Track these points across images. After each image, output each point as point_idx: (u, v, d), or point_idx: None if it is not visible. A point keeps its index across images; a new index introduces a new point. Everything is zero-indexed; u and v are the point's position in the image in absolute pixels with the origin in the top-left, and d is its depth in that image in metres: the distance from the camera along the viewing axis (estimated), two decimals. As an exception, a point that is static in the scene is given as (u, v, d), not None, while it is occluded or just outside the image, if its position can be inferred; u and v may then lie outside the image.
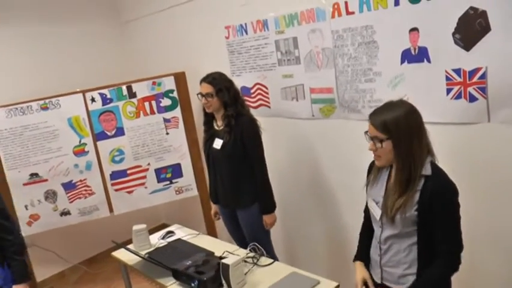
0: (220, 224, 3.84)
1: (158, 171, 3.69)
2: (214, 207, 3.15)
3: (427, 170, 1.75)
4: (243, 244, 2.91)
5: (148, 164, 3.66)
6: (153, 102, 3.59)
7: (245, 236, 2.99)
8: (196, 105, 3.83)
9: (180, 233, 2.97)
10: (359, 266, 2.09)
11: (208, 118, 2.94)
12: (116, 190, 3.65)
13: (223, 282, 2.21)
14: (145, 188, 3.68)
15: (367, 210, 2.08)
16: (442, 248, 1.77)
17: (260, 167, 2.83)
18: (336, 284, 2.13)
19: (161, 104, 3.61)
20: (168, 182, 3.71)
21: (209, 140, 2.91)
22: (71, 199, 3.61)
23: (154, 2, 4.01)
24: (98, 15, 4.38)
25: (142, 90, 3.57)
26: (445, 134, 2.30)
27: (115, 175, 3.64)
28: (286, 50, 3.05)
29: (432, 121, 2.08)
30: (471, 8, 2.13)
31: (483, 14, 2.10)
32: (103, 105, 3.54)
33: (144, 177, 3.67)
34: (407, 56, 2.43)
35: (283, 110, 3.22)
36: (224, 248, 2.63)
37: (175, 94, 3.63)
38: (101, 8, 4.41)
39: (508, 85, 2.10)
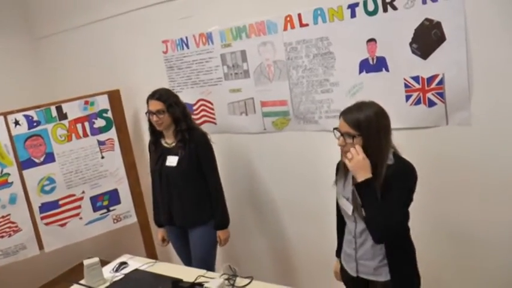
0: (160, 250, 3.62)
1: (94, 199, 3.35)
2: (161, 232, 2.96)
3: (389, 160, 1.86)
4: (190, 264, 2.84)
5: (83, 192, 3.31)
6: (86, 124, 3.26)
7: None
8: (132, 125, 3.60)
9: (134, 263, 2.71)
10: (337, 263, 2.24)
11: (156, 137, 2.78)
12: (47, 224, 3.24)
13: (207, 309, 2.06)
14: (80, 218, 3.32)
15: (338, 208, 2.14)
16: None
17: (215, 181, 2.76)
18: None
19: (95, 126, 3.30)
20: (105, 210, 3.39)
21: (159, 159, 2.74)
22: (-8, 239, 3.13)
23: (77, 15, 3.68)
24: (7, 29, 3.93)
25: (73, 110, 3.23)
26: (406, 138, 2.37)
27: (45, 207, 3.22)
28: (233, 64, 2.98)
29: (393, 127, 2.15)
30: (426, 19, 2.27)
31: (438, 25, 2.24)
32: (29, 128, 3.13)
33: (79, 206, 3.30)
34: (366, 66, 2.51)
35: (231, 125, 3.13)
36: (190, 273, 2.45)
37: (109, 114, 3.34)
38: (10, 21, 3.96)
39: (462, 89, 2.26)
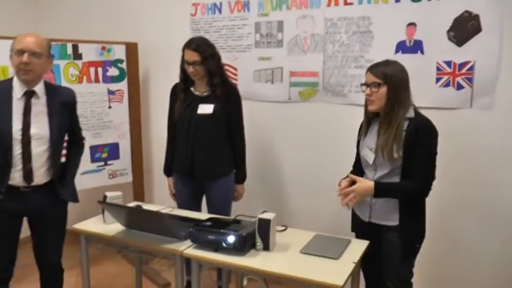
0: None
1: (94, 149, 3.19)
2: (172, 180, 2.89)
3: (410, 113, 2.13)
4: None
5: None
6: (99, 69, 3.14)
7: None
8: (142, 82, 3.49)
9: (150, 207, 2.61)
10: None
11: (187, 85, 2.75)
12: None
13: (258, 240, 2.06)
14: (77, 167, 3.12)
15: (357, 163, 2.37)
16: (417, 177, 2.09)
17: (242, 135, 2.83)
18: (367, 242, 2.18)
19: (108, 73, 3.18)
20: (102, 163, 3.23)
21: (189, 107, 2.71)
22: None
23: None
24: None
25: (89, 53, 3.10)
26: (432, 117, 2.62)
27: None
28: (267, 33, 3.08)
29: (421, 105, 2.36)
30: (466, 11, 2.56)
31: (476, 17, 2.54)
32: (42, 60, 2.93)
33: (77, 154, 3.11)
34: (402, 47, 2.73)
35: (254, 92, 3.19)
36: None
37: (124, 65, 3.25)
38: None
39: (490, 76, 2.54)
